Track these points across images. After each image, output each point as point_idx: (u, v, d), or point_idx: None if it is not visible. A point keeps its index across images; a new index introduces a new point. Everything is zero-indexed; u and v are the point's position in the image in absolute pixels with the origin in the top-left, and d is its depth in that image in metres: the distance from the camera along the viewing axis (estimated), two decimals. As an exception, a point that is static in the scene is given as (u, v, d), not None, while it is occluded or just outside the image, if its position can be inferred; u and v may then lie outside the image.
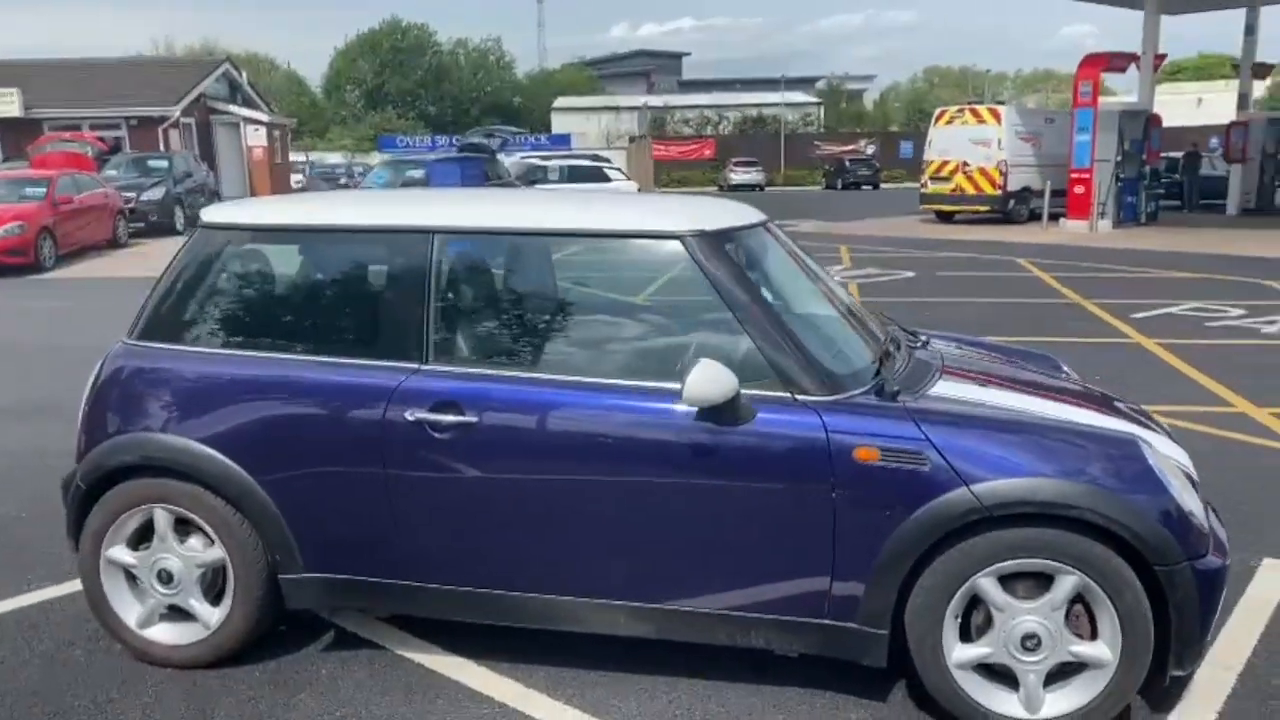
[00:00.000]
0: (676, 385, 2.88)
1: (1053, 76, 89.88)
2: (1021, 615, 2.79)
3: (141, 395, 3.25)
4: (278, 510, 3.13)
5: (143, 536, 3.32)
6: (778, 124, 53.82)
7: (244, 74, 29.30)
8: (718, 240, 3.04)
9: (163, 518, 3.23)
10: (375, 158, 48.23)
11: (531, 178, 20.69)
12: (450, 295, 3.13)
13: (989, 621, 2.84)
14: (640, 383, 2.96)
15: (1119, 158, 20.49)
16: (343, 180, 36.51)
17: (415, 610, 3.21)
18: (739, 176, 41.85)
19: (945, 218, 22.89)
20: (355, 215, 3.28)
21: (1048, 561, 2.74)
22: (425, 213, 3.20)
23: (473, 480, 3.01)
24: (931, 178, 22.64)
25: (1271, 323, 9.56)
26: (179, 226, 20.88)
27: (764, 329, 2.91)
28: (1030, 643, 2.79)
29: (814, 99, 64.72)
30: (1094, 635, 2.79)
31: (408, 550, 3.10)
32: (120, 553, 3.29)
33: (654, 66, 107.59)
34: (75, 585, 3.91)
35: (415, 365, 3.06)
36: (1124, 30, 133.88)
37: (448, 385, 3.02)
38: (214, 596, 3.29)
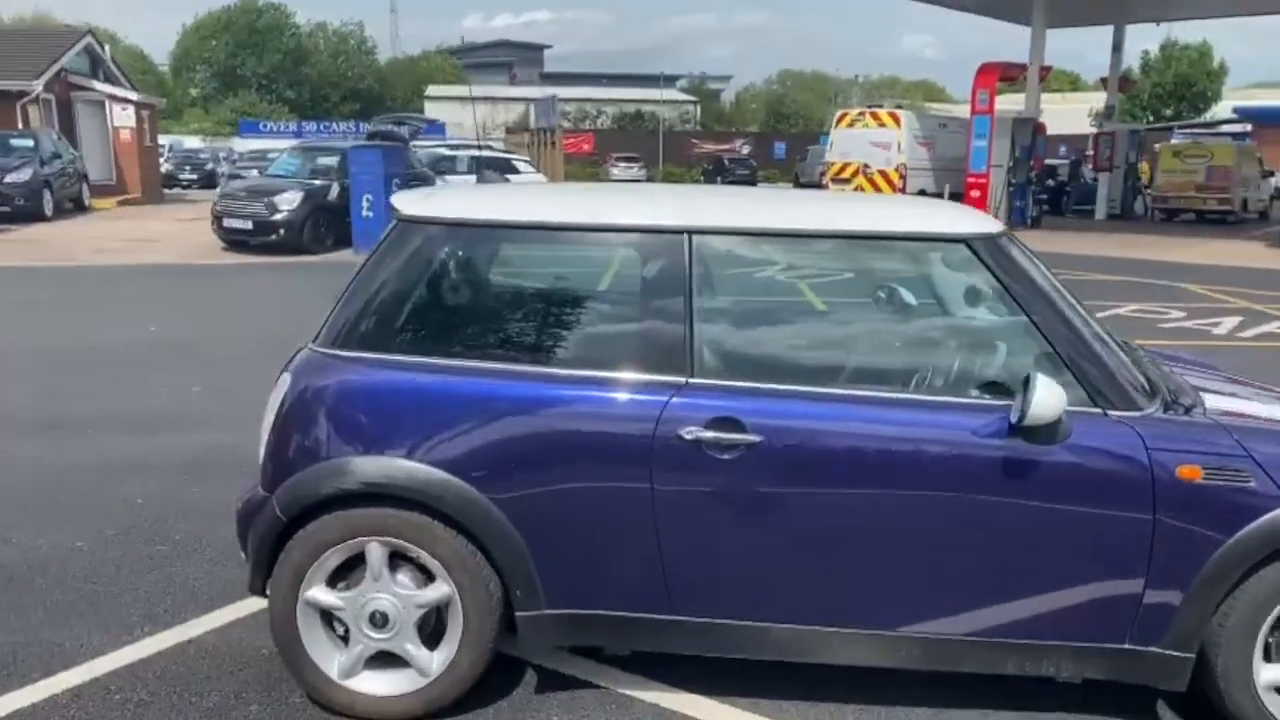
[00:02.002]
0: (985, 399, 2.74)
1: (898, 82, 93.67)
2: (1334, 632, 2.74)
3: (350, 412, 2.84)
4: (522, 541, 2.79)
5: (339, 574, 2.91)
6: (656, 121, 54.02)
7: (107, 49, 27.17)
8: (1000, 243, 2.88)
9: (377, 552, 2.83)
10: (237, 143, 45.79)
11: (438, 169, 19.96)
12: (711, 302, 2.86)
13: None
14: (942, 398, 2.78)
15: (1011, 163, 21.47)
16: (209, 166, 34.37)
17: (665, 646, 2.91)
18: (621, 172, 41.76)
19: (844, 218, 23.37)
20: (592, 212, 2.95)
21: (1364, 577, 2.70)
22: (678, 210, 2.91)
23: (752, 503, 2.75)
24: (833, 179, 23.12)
25: (1216, 324, 10.12)
26: (48, 212, 19.21)
27: (1070, 338, 2.76)
28: None
29: (691, 97, 65.31)
30: (1396, 649, 2.77)
31: (671, 580, 2.81)
32: (321, 594, 2.87)
33: (516, 58, 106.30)
34: (196, 628, 3.45)
35: (681, 379, 2.77)
36: (961, 41, 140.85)
37: (725, 401, 2.74)
38: (427, 639, 2.92)
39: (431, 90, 62.08)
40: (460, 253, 3.00)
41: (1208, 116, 46.67)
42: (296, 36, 67.51)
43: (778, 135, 54.29)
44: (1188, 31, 49.32)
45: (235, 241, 15.20)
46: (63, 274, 12.69)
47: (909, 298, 3.52)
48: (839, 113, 24.24)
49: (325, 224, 15.17)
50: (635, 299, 2.91)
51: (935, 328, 3.21)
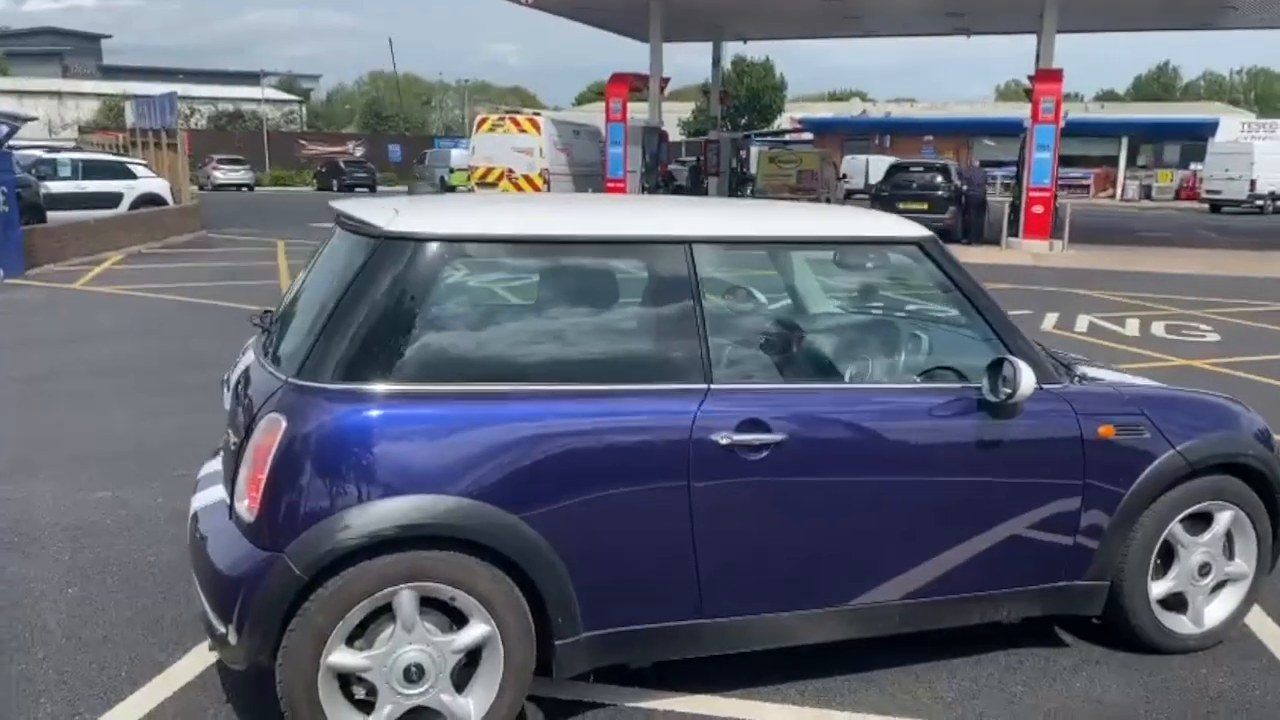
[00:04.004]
0: (959, 384, 3.08)
1: (489, 88, 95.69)
2: (1197, 550, 3.41)
3: (367, 451, 2.55)
4: (563, 564, 2.69)
5: (355, 633, 2.61)
6: (258, 120, 50.54)
7: None
8: (940, 244, 3.24)
9: (408, 600, 2.58)
10: None
11: (38, 173, 17.34)
12: (716, 309, 2.94)
13: (1168, 561, 3.42)
14: (933, 384, 3.09)
15: (643, 169, 22.96)
16: None
17: (694, 651, 2.95)
18: (224, 175, 38.82)
19: (489, 221, 23.57)
20: (593, 224, 2.90)
21: (1215, 502, 3.40)
22: (678, 221, 2.94)
23: (781, 500, 2.88)
24: (479, 183, 23.23)
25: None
26: None
27: (1005, 324, 3.18)
28: (1204, 570, 3.43)
29: (294, 96, 61.83)
30: (1232, 555, 3.51)
31: (706, 585, 2.86)
32: (346, 656, 2.56)
33: (68, 47, 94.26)
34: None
35: (703, 386, 2.83)
36: (543, 49, 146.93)
37: (749, 405, 2.84)
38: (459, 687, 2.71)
39: (-26, 81, 53.32)
40: (460, 270, 2.80)
41: (775, 126, 52.88)
42: None
43: (387, 138, 53.25)
44: (753, 50, 55.41)
45: None
46: None
47: (759, 295, 3.82)
48: (479, 117, 24.41)
49: (-91, 241, 12.64)
50: (646, 309, 2.91)
51: (901, 321, 3.53)
